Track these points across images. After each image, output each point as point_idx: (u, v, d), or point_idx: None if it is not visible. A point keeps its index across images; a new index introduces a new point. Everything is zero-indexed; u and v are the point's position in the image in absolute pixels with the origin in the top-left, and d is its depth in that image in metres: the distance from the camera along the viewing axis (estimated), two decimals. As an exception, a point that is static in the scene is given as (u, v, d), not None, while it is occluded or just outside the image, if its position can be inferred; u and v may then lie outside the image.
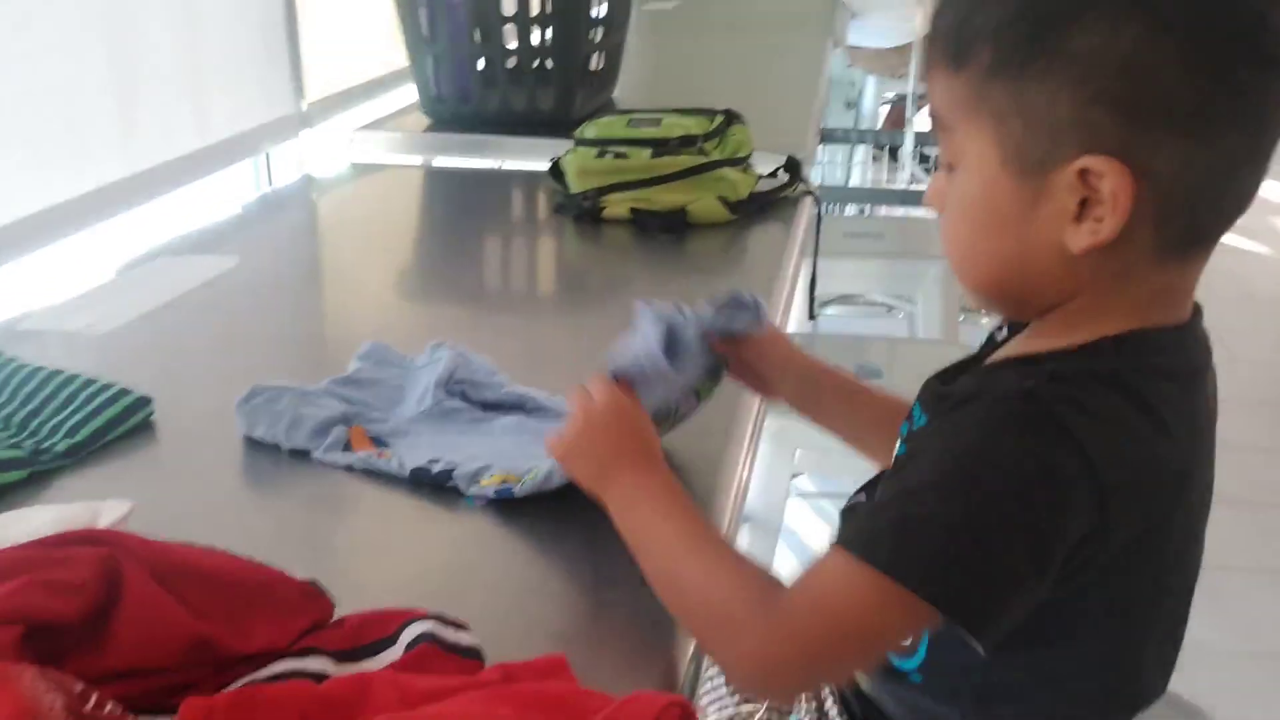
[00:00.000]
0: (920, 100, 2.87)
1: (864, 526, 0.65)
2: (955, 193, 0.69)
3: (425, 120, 1.93)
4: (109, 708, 0.46)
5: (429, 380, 0.93)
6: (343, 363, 0.98)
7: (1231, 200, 0.66)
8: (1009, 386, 0.65)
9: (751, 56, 2.68)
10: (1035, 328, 0.73)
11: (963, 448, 0.64)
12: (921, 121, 3.21)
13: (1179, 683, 1.09)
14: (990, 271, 0.70)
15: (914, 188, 3.04)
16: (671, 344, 0.79)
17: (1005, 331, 0.78)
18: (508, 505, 0.80)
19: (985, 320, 2.59)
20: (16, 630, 0.52)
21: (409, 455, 0.84)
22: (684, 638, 0.67)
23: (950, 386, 0.72)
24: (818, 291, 1.69)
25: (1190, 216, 0.65)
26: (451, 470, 0.82)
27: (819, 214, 1.63)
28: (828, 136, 3.01)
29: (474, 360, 0.97)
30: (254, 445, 0.90)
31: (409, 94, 1.95)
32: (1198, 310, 0.71)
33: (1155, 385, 0.66)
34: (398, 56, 1.91)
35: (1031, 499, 0.62)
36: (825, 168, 4.00)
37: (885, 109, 3.86)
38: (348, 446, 0.86)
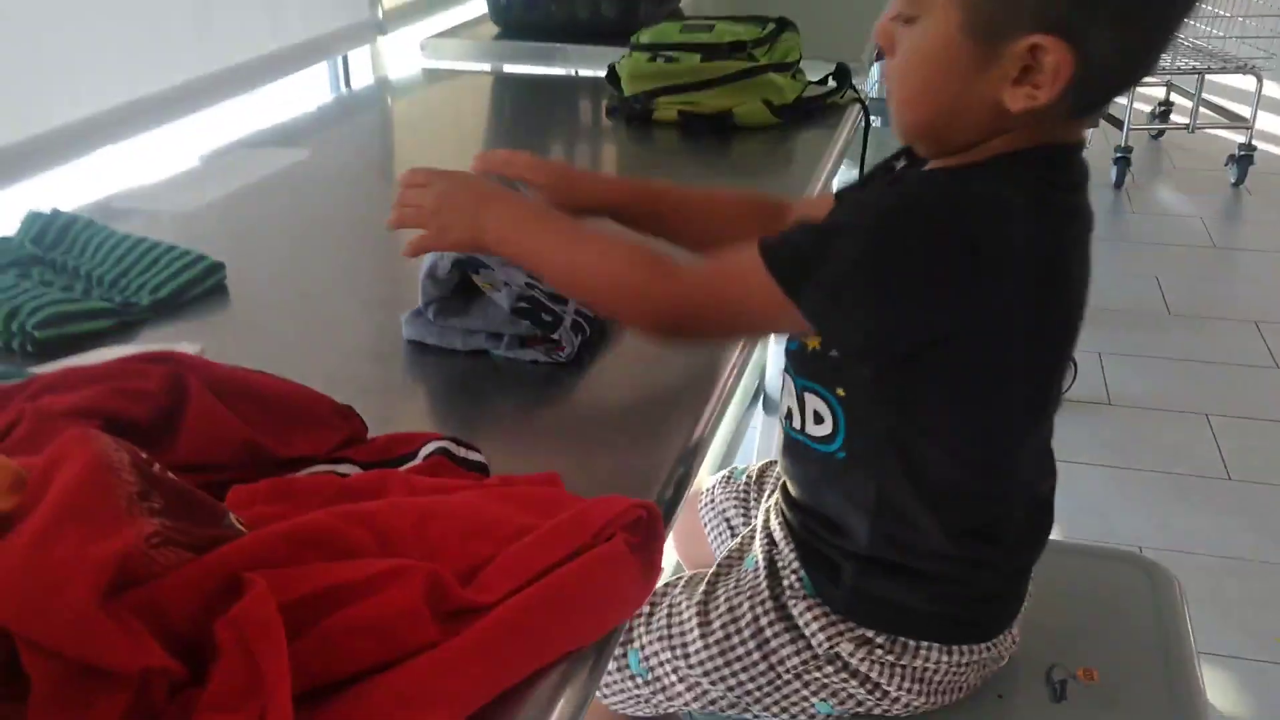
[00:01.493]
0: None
1: (783, 243, 0.77)
2: (911, 42, 0.78)
3: (494, 29, 2.01)
4: (169, 474, 0.56)
5: None
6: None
7: (1130, 79, 0.79)
8: (924, 178, 0.79)
9: (823, -33, 2.69)
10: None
11: (874, 211, 0.77)
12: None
13: (1215, 583, 1.13)
14: (926, 114, 0.79)
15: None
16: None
17: (903, 161, 0.88)
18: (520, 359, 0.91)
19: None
20: (95, 424, 0.64)
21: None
22: (666, 469, 0.76)
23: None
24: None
25: (1101, 89, 0.76)
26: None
27: (867, 122, 1.68)
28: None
29: None
30: (312, 306, 1.01)
31: (479, 4, 2.03)
32: (1082, 143, 0.81)
33: (1040, 187, 0.76)
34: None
35: (917, 258, 0.73)
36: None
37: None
38: (524, 344, 0.91)
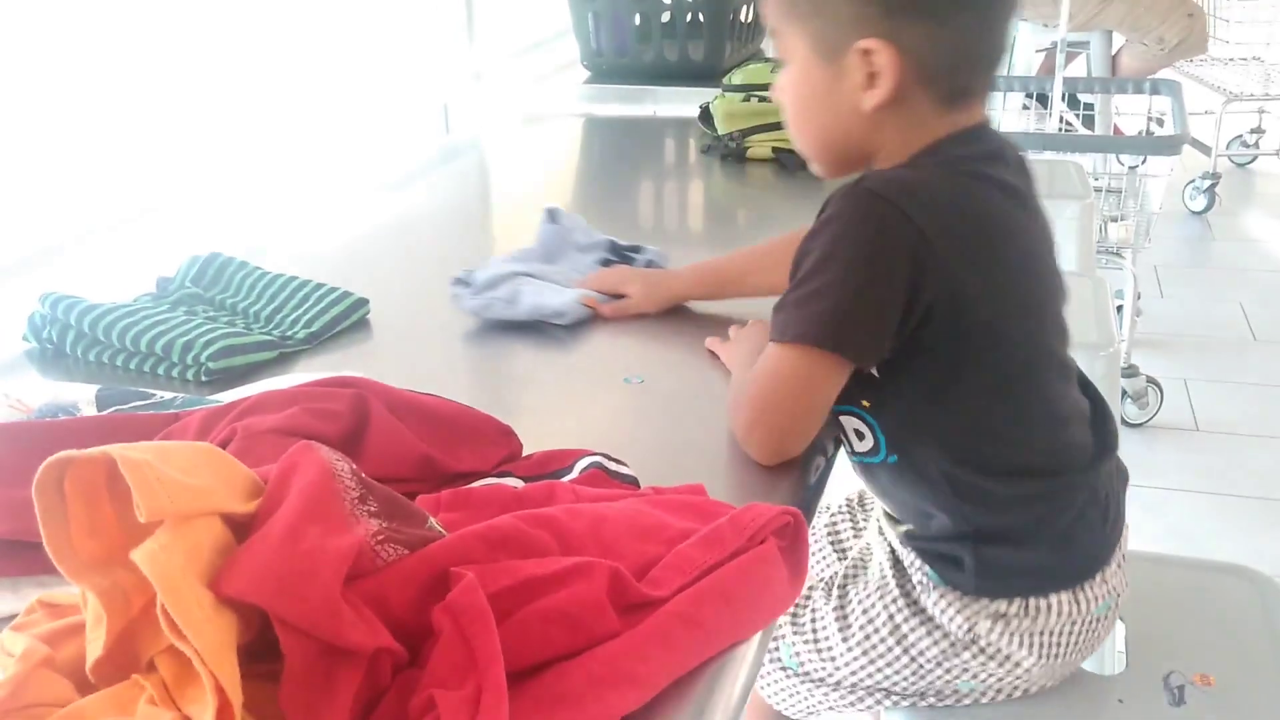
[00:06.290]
0: (1068, 48, 2.87)
1: (779, 319, 0.85)
2: (787, 83, 0.89)
3: (586, 73, 2.09)
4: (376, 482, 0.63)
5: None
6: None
7: (981, 62, 0.87)
8: (849, 188, 0.84)
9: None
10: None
11: (828, 239, 0.83)
12: (1071, 68, 3.21)
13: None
14: (819, 139, 0.90)
15: (1060, 132, 3.04)
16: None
17: None
18: (653, 385, 0.97)
19: (1124, 258, 2.62)
20: (296, 441, 0.71)
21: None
22: (796, 479, 0.82)
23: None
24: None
25: (950, 77, 0.85)
26: None
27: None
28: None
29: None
30: (446, 335, 1.08)
31: (572, 50, 2.12)
32: (988, 120, 0.89)
33: (960, 162, 0.85)
34: (561, 16, 2.07)
35: (881, 261, 0.81)
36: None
37: (1041, 56, 3.84)
38: None
